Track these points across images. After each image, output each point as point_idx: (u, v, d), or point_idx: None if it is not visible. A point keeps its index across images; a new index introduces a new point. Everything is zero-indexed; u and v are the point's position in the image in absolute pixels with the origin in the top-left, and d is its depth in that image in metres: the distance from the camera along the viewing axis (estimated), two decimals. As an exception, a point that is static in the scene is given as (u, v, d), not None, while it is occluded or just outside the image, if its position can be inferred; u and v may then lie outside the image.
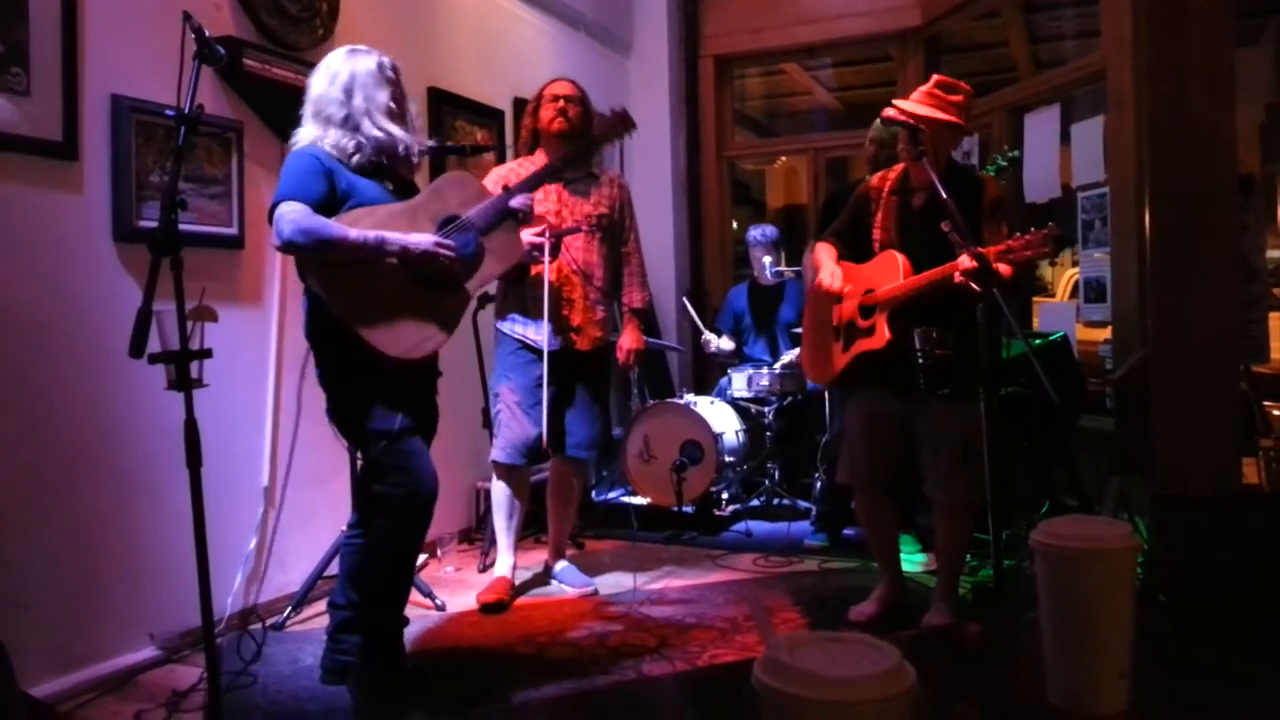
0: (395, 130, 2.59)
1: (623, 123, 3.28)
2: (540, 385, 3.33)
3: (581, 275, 3.45)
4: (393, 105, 2.61)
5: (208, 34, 2.20)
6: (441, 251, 2.54)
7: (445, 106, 4.29)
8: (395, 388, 2.54)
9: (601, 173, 3.61)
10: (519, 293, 3.45)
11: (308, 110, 2.61)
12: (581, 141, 3.44)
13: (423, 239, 2.52)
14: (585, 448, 3.53)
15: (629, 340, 3.63)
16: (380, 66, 2.62)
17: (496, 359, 3.55)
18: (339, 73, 2.58)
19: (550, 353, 3.29)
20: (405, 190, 2.72)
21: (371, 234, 2.46)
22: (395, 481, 2.54)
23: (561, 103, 3.46)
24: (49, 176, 2.69)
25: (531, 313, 3.40)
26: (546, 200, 3.39)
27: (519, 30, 5.03)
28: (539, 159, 3.46)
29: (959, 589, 3.16)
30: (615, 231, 3.58)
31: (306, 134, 2.59)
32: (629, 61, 6.19)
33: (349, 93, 2.56)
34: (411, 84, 4.11)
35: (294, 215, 2.40)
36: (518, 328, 3.45)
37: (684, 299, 5.67)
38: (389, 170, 2.66)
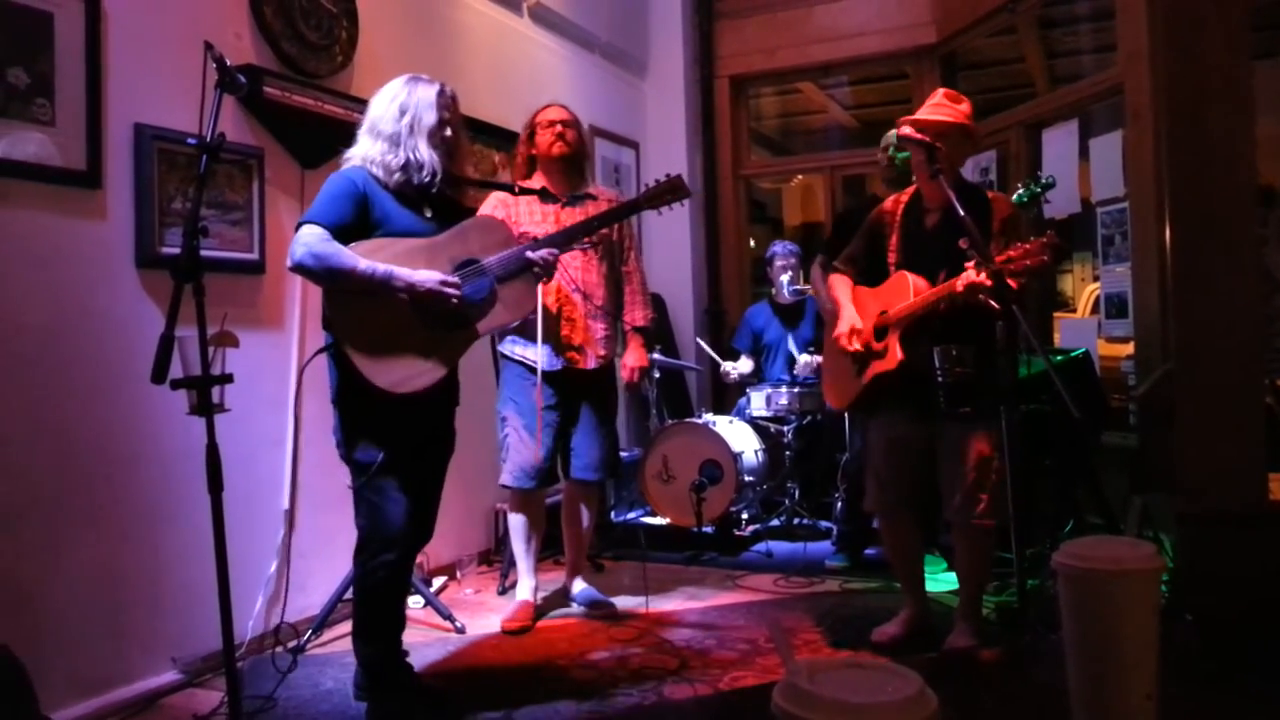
0: (427, 154, 2.61)
1: (674, 190, 3.14)
2: (548, 408, 3.36)
3: (581, 295, 3.44)
4: (441, 132, 2.64)
5: (229, 63, 2.24)
6: (446, 291, 2.53)
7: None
8: (389, 420, 2.54)
9: (598, 192, 3.61)
10: None
11: (363, 128, 2.68)
12: (584, 170, 3.47)
13: (429, 278, 2.51)
14: (593, 469, 3.51)
15: (633, 358, 3.61)
16: (439, 94, 2.67)
17: (502, 383, 3.55)
18: (398, 95, 2.65)
19: (553, 373, 3.32)
20: (448, 216, 2.73)
21: (381, 267, 2.47)
22: (364, 514, 2.60)
23: (559, 127, 3.47)
24: (73, 205, 2.72)
25: (530, 335, 3.39)
26: (545, 221, 3.40)
27: (535, 54, 5.07)
28: (536, 182, 3.47)
29: (982, 609, 3.12)
30: (614, 250, 3.57)
31: (357, 150, 2.66)
32: (644, 83, 6.22)
33: (402, 112, 2.62)
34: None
35: (309, 239, 2.44)
36: (518, 349, 3.44)
37: (698, 340, 5.67)
38: (431, 195, 2.68)
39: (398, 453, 2.56)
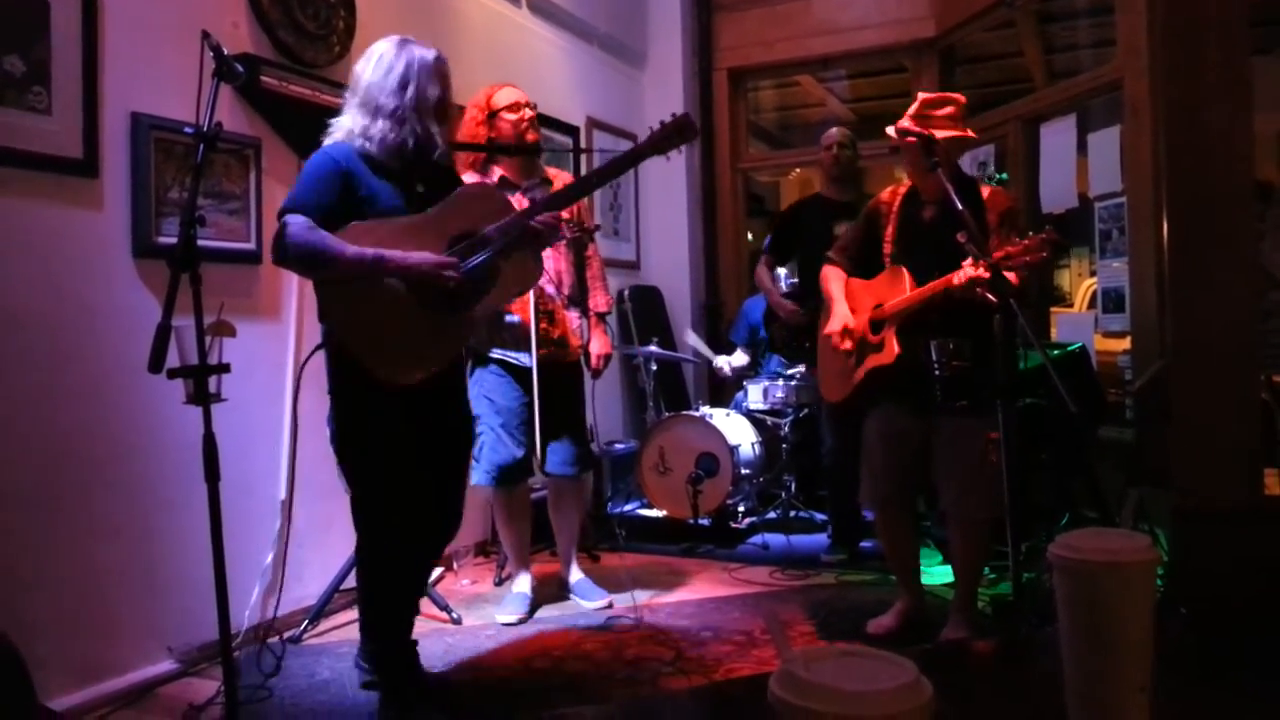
0: (436, 130, 2.49)
1: (681, 131, 2.69)
2: (525, 405, 3.31)
3: (555, 285, 3.40)
4: (444, 106, 2.52)
5: (226, 52, 2.23)
6: (444, 274, 2.39)
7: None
8: (392, 413, 2.44)
9: (555, 175, 3.50)
10: (493, 324, 3.27)
11: (354, 99, 2.53)
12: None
13: (424, 259, 2.38)
14: (570, 464, 3.49)
15: (598, 345, 3.58)
16: (437, 60, 2.53)
17: (473, 381, 3.43)
18: (395, 64, 2.49)
19: (533, 369, 3.27)
20: (442, 188, 2.60)
21: (370, 252, 2.34)
22: (362, 512, 2.54)
23: (527, 112, 3.33)
24: (70, 193, 2.72)
25: (509, 340, 3.32)
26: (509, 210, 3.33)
27: (534, 45, 5.06)
28: (494, 174, 3.39)
29: (977, 602, 3.13)
30: (579, 238, 3.52)
31: (346, 122, 2.51)
32: (643, 74, 6.21)
33: (404, 85, 2.47)
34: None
35: (293, 229, 2.33)
36: (496, 350, 3.37)
37: (691, 340, 5.64)
38: (424, 168, 2.56)
39: (402, 447, 2.49)
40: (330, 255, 2.33)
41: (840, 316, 3.08)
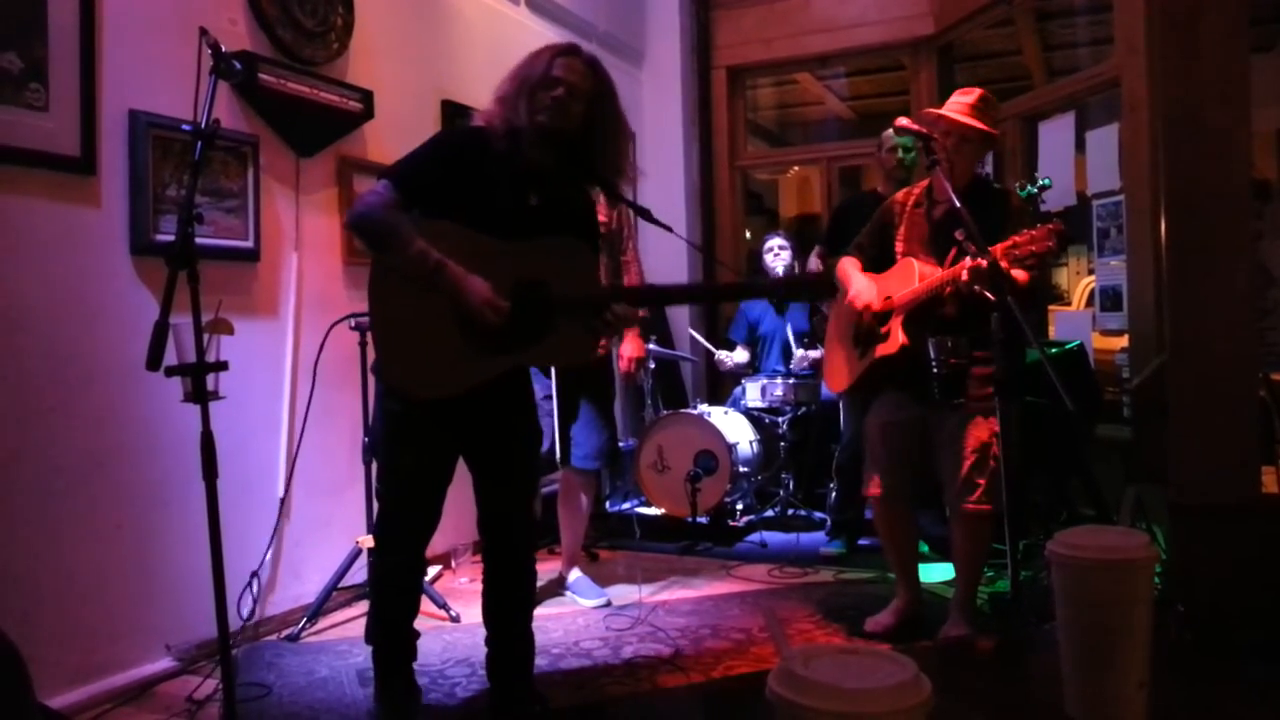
0: (525, 114, 2.30)
1: (818, 290, 2.54)
2: (546, 398, 3.33)
3: None
4: (547, 90, 2.32)
5: (224, 49, 2.23)
6: (487, 315, 2.23)
7: (459, 119, 4.31)
8: (417, 421, 2.35)
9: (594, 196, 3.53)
10: None
11: None
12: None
13: (476, 288, 2.22)
14: (592, 458, 3.52)
15: (630, 348, 3.64)
16: (551, 48, 2.41)
17: None
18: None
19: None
20: (559, 210, 2.41)
21: (435, 256, 2.20)
22: (380, 510, 2.51)
23: None
24: (67, 191, 2.71)
25: None
26: None
27: (532, 42, 4.98)
28: None
29: (976, 600, 3.14)
30: (613, 241, 3.56)
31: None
32: (641, 72, 6.21)
33: (516, 70, 2.39)
34: (424, 97, 4.16)
35: (370, 201, 2.26)
36: None
37: (691, 332, 5.66)
38: (544, 177, 2.39)
39: (422, 453, 2.39)
40: (394, 242, 2.22)
41: (863, 283, 3.07)
